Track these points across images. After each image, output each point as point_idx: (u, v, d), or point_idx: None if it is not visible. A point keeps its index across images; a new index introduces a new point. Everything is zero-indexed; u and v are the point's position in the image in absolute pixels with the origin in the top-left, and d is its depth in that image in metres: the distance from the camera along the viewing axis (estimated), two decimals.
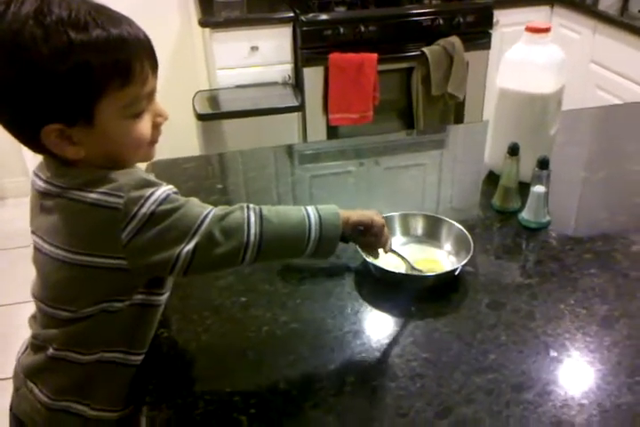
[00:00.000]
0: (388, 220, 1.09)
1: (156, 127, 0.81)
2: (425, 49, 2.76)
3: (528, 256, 1.08)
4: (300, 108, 2.74)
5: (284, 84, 2.84)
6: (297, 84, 2.83)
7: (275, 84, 2.83)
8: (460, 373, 0.83)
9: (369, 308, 0.96)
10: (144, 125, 0.78)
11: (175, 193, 0.77)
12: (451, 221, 1.08)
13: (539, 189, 1.11)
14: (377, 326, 0.93)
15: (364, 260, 1.01)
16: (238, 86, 2.80)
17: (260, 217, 0.78)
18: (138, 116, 0.77)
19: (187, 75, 3.01)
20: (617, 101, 2.30)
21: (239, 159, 1.52)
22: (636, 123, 1.58)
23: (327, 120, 2.87)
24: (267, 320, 0.94)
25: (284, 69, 2.82)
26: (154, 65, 0.78)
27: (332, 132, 2.92)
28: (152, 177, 0.78)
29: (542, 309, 0.94)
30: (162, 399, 0.81)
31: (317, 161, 1.54)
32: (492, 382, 0.82)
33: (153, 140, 0.82)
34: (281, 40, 2.74)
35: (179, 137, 2.99)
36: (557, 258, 1.06)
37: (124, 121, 0.76)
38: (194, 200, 0.79)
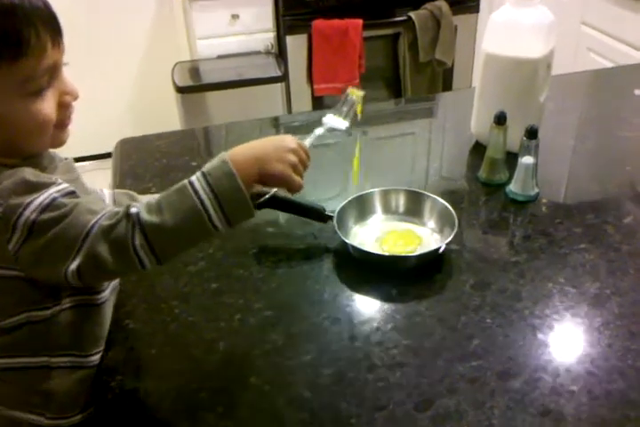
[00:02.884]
0: (368, 196, 1.03)
1: (64, 107, 0.72)
2: (411, 13, 2.66)
3: (515, 231, 1.02)
4: (284, 78, 2.65)
5: (267, 53, 2.75)
6: (280, 54, 2.74)
7: (257, 53, 2.73)
8: (443, 360, 0.79)
9: (348, 292, 0.91)
10: (46, 105, 0.69)
11: (66, 195, 0.68)
12: (434, 196, 1.02)
13: (527, 160, 1.05)
14: (356, 312, 0.88)
15: (343, 240, 0.95)
16: (220, 57, 2.70)
17: (141, 225, 0.67)
18: (37, 94, 0.68)
19: (166, 46, 2.90)
20: (609, 64, 2.22)
21: (218, 133, 1.45)
22: (627, 87, 1.51)
23: (312, 90, 2.78)
24: (239, 308, 0.89)
25: (267, 38, 2.73)
26: (55, 35, 0.68)
27: (318, 102, 2.83)
28: (42, 176, 0.69)
29: (529, 288, 0.89)
30: (125, 398, 0.76)
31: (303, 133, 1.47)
32: (477, 369, 0.77)
33: (62, 123, 0.73)
34: (262, 7, 2.64)
35: (158, 112, 2.90)
36: (546, 233, 1.00)
37: (20, 100, 0.67)
38: (83, 204, 0.68)
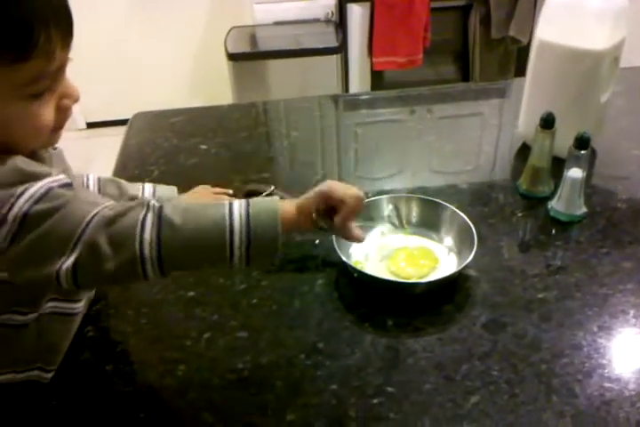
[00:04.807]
0: (376, 204, 0.89)
1: (62, 111, 0.64)
2: None
3: (549, 260, 0.85)
4: (340, 49, 2.49)
5: (327, 21, 2.58)
6: (340, 23, 2.56)
7: (316, 21, 2.58)
8: (429, 419, 0.65)
9: (335, 317, 0.79)
10: (45, 110, 0.61)
11: (63, 186, 0.60)
12: (452, 207, 0.86)
13: (574, 173, 0.88)
14: (339, 344, 0.75)
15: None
16: (276, 23, 2.57)
17: (159, 219, 0.58)
18: (37, 97, 0.60)
19: (225, 9, 2.79)
20: None
21: (243, 112, 1.33)
22: None
23: (371, 64, 2.61)
24: (211, 324, 0.78)
25: (327, 5, 2.56)
26: (67, 34, 0.59)
27: (377, 77, 2.66)
28: (35, 165, 0.61)
29: (554, 335, 0.74)
30: (63, 422, 0.68)
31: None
32: None
33: (58, 126, 0.64)
34: None
35: (210, 81, 2.81)
36: (587, 265, 0.84)
37: (18, 102, 0.59)
38: (84, 195, 0.61)
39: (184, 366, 0.73)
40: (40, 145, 0.65)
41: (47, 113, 0.61)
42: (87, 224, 0.57)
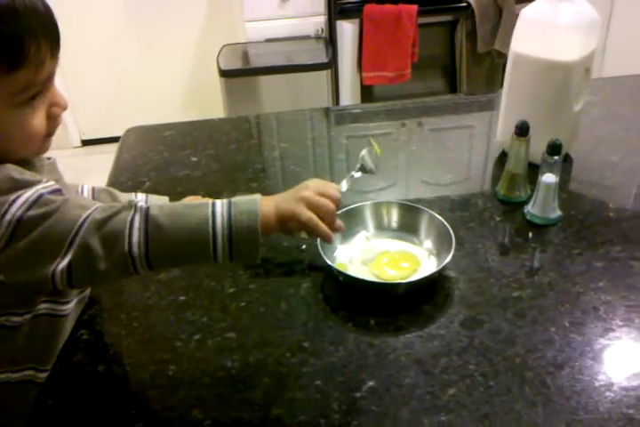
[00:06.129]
0: (357, 210, 0.93)
1: (52, 119, 0.68)
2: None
3: (525, 261, 0.89)
4: (330, 64, 2.54)
5: (317, 38, 2.64)
6: (330, 39, 2.62)
7: (307, 37, 2.63)
8: (408, 411, 0.68)
9: (320, 317, 0.82)
10: (36, 118, 0.65)
11: (53, 192, 0.63)
12: (431, 212, 0.90)
13: (548, 178, 0.92)
14: (324, 342, 0.78)
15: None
16: (268, 40, 2.62)
17: (146, 220, 0.62)
18: (28, 106, 0.64)
19: (216, 28, 2.85)
20: None
21: (236, 126, 1.37)
22: None
23: (361, 79, 2.66)
24: (201, 326, 0.81)
25: (317, 22, 2.62)
26: (54, 45, 0.64)
27: (367, 91, 2.71)
28: (27, 173, 0.64)
29: (527, 331, 0.77)
30: (58, 422, 0.71)
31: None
32: (444, 426, 0.67)
33: (49, 134, 0.69)
34: None
35: (203, 97, 2.86)
36: (561, 265, 0.87)
37: (9, 111, 0.63)
38: (74, 200, 0.64)
39: (174, 366, 0.76)
40: (32, 152, 0.69)
41: (38, 120, 0.66)
42: (79, 227, 0.61)
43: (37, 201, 0.61)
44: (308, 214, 0.71)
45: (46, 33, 0.62)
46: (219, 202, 0.67)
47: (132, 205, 0.63)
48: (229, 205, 0.66)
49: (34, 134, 0.66)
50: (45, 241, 0.61)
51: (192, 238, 0.64)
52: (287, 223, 0.71)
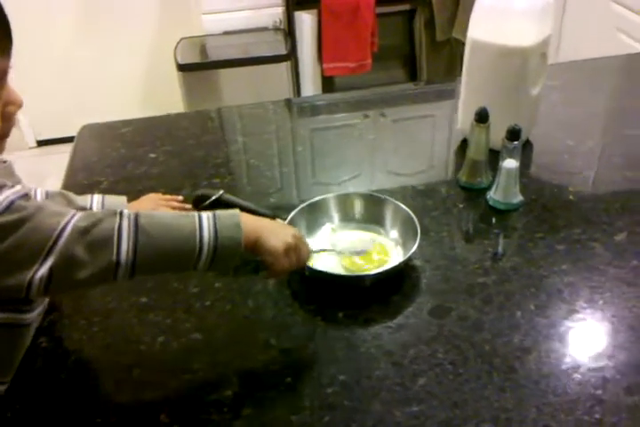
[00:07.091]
0: (322, 203, 0.91)
1: (7, 118, 0.65)
2: None
3: (488, 247, 0.89)
4: (290, 56, 2.52)
5: (276, 29, 2.61)
6: (289, 30, 2.60)
7: (265, 29, 2.60)
8: (380, 403, 0.68)
9: (289, 312, 0.81)
10: None
11: (23, 197, 0.61)
12: (396, 202, 0.90)
13: (509, 163, 0.92)
14: (292, 337, 0.77)
15: None
16: (225, 32, 2.58)
17: (135, 228, 0.62)
18: None
19: (173, 21, 2.79)
20: None
21: (195, 120, 1.34)
22: None
23: (322, 70, 2.64)
24: (165, 328, 0.79)
25: (275, 13, 2.59)
26: (6, 41, 0.61)
27: (328, 82, 2.69)
28: None
29: (494, 317, 0.77)
30: None
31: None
32: (415, 416, 0.66)
33: (3, 135, 0.66)
34: None
35: (161, 92, 2.80)
36: (524, 249, 0.88)
37: None
38: (48, 207, 0.62)
39: (139, 370, 0.74)
40: None
41: None
42: (59, 234, 0.59)
43: (9, 207, 0.59)
44: (281, 260, 0.72)
45: None
46: (204, 214, 0.68)
47: (116, 213, 0.63)
48: (214, 217, 0.67)
49: None
50: (21, 249, 0.59)
51: (180, 249, 0.65)
52: (259, 251, 0.72)
